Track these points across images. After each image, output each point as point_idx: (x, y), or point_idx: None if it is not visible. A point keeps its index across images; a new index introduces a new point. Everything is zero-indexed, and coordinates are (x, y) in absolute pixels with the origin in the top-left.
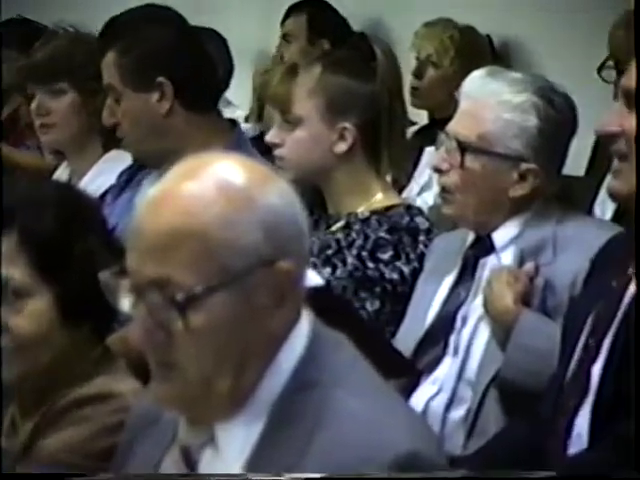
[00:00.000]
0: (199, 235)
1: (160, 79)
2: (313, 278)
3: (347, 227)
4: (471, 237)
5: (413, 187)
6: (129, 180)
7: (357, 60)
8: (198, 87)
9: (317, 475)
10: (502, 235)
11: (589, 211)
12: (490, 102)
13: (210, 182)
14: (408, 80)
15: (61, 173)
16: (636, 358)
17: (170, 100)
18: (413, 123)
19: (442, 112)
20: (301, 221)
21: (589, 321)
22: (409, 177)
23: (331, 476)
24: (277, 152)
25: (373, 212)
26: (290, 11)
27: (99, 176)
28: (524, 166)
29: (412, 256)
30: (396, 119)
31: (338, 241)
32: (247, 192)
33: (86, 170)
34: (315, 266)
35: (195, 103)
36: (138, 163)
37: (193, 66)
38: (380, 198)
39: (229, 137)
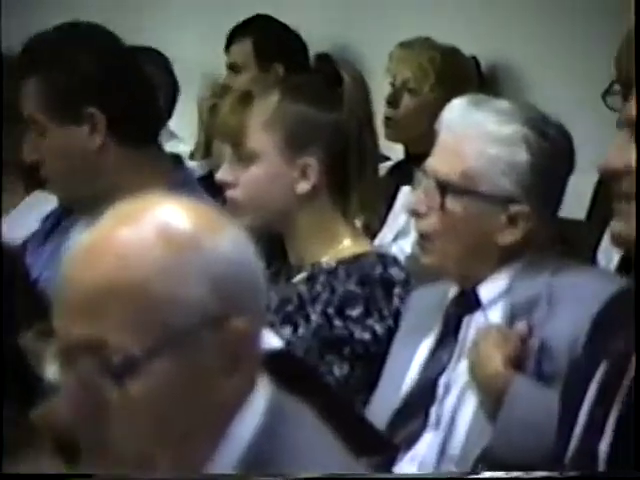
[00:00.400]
0: (137, 289)
1: (90, 110)
2: (271, 339)
3: (311, 279)
4: (454, 291)
5: (387, 233)
6: (55, 225)
7: (320, 85)
8: (135, 118)
9: (317, 475)
10: (489, 289)
11: (592, 260)
12: (473, 134)
13: (150, 228)
14: (381, 109)
15: None
16: (637, 358)
17: (102, 134)
18: (387, 158)
19: (420, 146)
20: (257, 272)
21: (592, 389)
22: (382, 221)
23: (331, 476)
24: (229, 193)
25: (341, 261)
26: (233, 37)
27: (20, 221)
28: (514, 208)
29: (386, 313)
30: (367, 154)
31: (300, 295)
32: (193, 240)
33: (5, 214)
34: (273, 325)
35: (131, 136)
36: (65, 207)
37: (129, 94)
38: (349, 245)
39: (172, 176)
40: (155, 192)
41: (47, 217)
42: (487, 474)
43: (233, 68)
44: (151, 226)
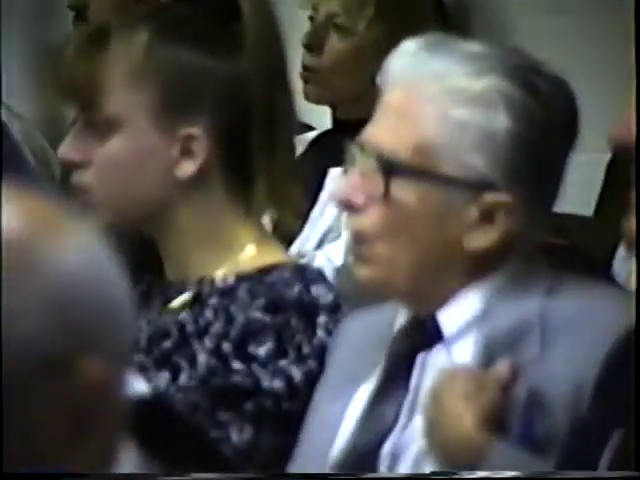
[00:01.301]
0: None
1: None
2: (138, 387)
3: (198, 302)
4: (404, 318)
5: (309, 235)
6: None
7: (209, 22)
8: None
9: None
10: (455, 314)
11: (604, 272)
12: (431, 92)
13: None
14: (298, 56)
15: None
16: (636, 356)
17: None
18: (308, 128)
19: (354, 110)
20: (116, 294)
21: (604, 460)
22: (303, 219)
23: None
24: (77, 178)
25: (241, 277)
26: None
27: None
28: (489, 197)
29: (306, 350)
30: (278, 121)
31: (182, 326)
32: (21, 252)
33: None
34: (144, 369)
35: None
36: None
37: None
38: (253, 253)
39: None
40: None
41: None
42: (484, 474)
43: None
44: None
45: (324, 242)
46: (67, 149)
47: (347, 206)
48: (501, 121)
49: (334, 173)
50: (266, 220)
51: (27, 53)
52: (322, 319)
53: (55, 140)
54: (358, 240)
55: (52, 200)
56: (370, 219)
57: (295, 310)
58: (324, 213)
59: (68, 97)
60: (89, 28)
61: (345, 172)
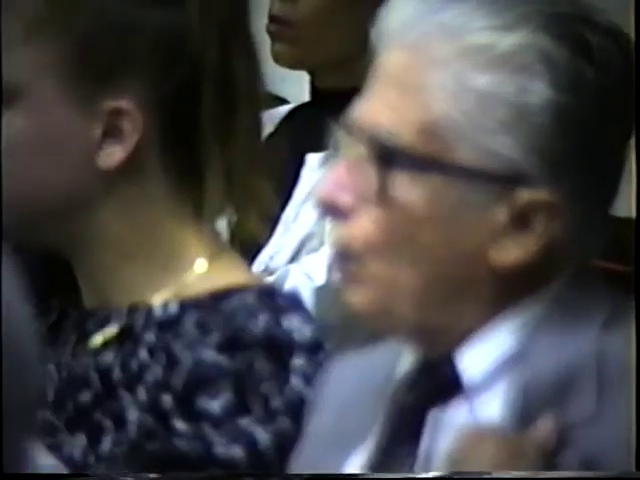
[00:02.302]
0: None
1: None
2: (44, 459)
3: (127, 338)
4: (410, 361)
5: (280, 244)
6: None
7: None
8: None
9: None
10: (479, 355)
11: None
12: (443, 52)
13: None
14: (264, 5)
15: None
16: (637, 354)
17: None
18: (279, 101)
19: (340, 77)
20: (14, 329)
21: None
22: (272, 222)
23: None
24: None
25: (187, 303)
26: None
27: None
28: (523, 195)
29: (276, 404)
30: (237, 92)
31: (106, 372)
32: None
33: None
34: (53, 431)
35: None
36: None
37: None
38: (203, 271)
39: None
40: None
41: None
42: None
43: None
44: None
45: (300, 254)
46: None
47: (330, 209)
48: (538, 91)
49: (313, 161)
50: (222, 225)
51: None
52: (297, 361)
53: None
54: (346, 254)
55: None
56: (361, 226)
57: (261, 349)
58: (300, 215)
59: None
60: None
61: (327, 161)
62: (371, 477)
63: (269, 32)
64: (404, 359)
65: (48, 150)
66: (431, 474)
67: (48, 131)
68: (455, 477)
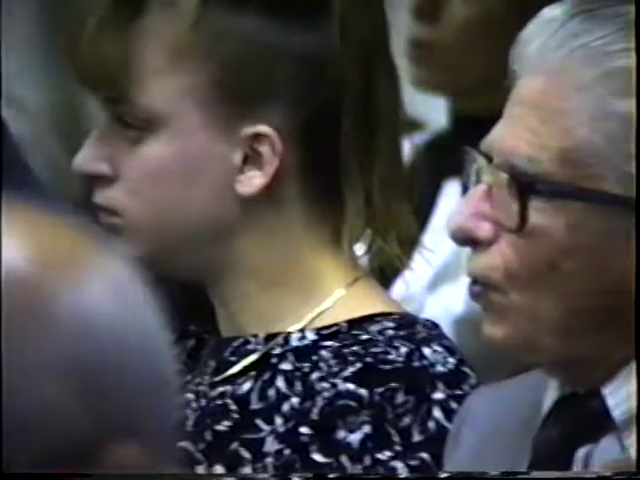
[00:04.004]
0: None
1: None
2: None
3: (265, 367)
4: (554, 393)
5: (419, 273)
6: None
7: None
8: None
9: None
10: (628, 390)
11: None
12: (586, 77)
13: None
14: (404, 26)
15: None
16: (636, 352)
17: None
18: (418, 126)
19: (480, 102)
20: (156, 356)
21: None
22: (412, 249)
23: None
24: (102, 195)
25: (326, 332)
26: None
27: None
28: None
29: (417, 438)
30: (377, 116)
31: (244, 401)
32: (27, 296)
33: None
34: (192, 460)
35: None
36: None
37: None
38: (341, 300)
39: None
40: None
41: None
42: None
43: None
44: None
45: (438, 283)
46: (87, 158)
47: (468, 238)
48: None
49: (451, 188)
50: (359, 251)
51: (38, 22)
52: (439, 394)
53: (74, 144)
54: (486, 284)
55: (69, 225)
56: (501, 255)
57: (401, 381)
58: (438, 243)
59: (89, 85)
60: None
61: (465, 189)
62: (373, 478)
63: (409, 56)
64: (549, 393)
65: (189, 177)
66: (431, 474)
67: (189, 158)
68: (455, 477)
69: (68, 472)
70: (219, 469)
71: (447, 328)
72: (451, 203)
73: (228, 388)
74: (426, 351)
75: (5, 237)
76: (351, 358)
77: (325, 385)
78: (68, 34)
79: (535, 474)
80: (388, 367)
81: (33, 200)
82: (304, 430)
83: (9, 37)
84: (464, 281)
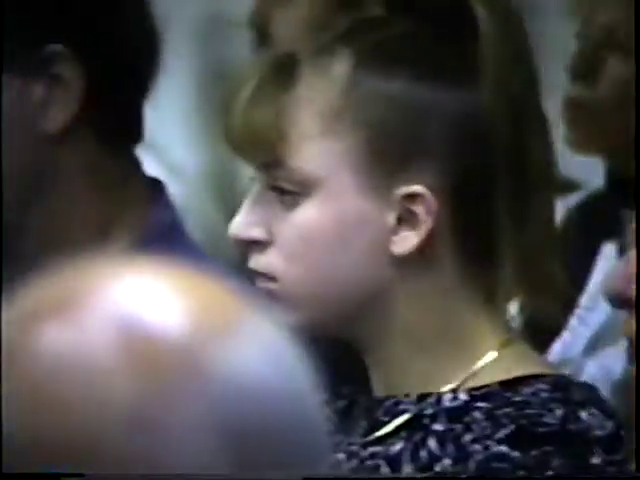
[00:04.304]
0: (89, 450)
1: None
2: None
3: (417, 427)
4: None
5: (575, 333)
6: None
7: (432, 40)
8: (121, 87)
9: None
10: None
11: None
12: None
13: (101, 334)
14: (557, 87)
15: None
16: (637, 354)
17: (71, 102)
18: (572, 187)
19: (635, 163)
20: (309, 417)
21: None
22: (567, 310)
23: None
24: (257, 259)
25: (478, 393)
26: None
27: None
28: None
29: None
30: (531, 176)
31: (396, 462)
32: (186, 357)
33: None
34: None
35: (111, 126)
36: None
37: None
38: (494, 361)
39: (150, 216)
40: (114, 250)
41: None
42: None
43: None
44: (105, 332)
45: (596, 345)
46: (243, 223)
47: (624, 301)
48: None
49: (608, 250)
50: (512, 311)
51: (193, 88)
52: (596, 460)
53: (230, 209)
54: None
55: (224, 288)
56: None
57: (556, 444)
58: (595, 305)
59: (244, 152)
60: (271, 57)
61: (622, 251)
62: (370, 477)
63: (564, 116)
64: None
65: (343, 239)
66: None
67: (344, 220)
68: (456, 477)
69: (68, 473)
70: None
71: (605, 391)
72: (608, 265)
73: (380, 448)
74: (582, 414)
75: (163, 299)
76: (504, 420)
77: (478, 447)
78: (223, 102)
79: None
80: (543, 430)
81: (189, 263)
82: None
83: (167, 101)
84: (622, 344)
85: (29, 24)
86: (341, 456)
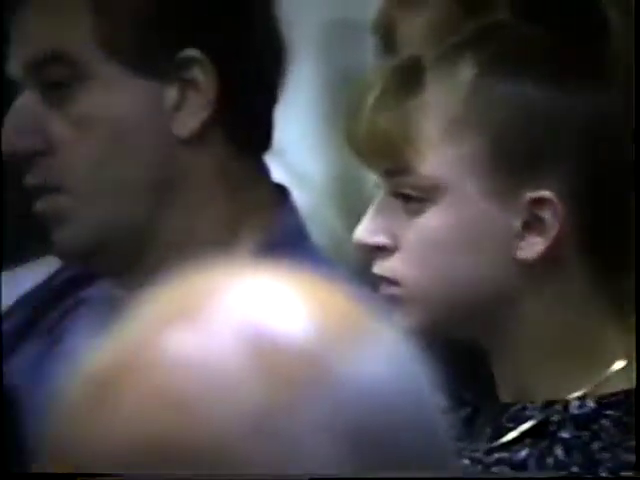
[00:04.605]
0: (211, 457)
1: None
2: None
3: (543, 435)
4: None
5: None
6: (51, 303)
7: (560, 42)
8: (248, 93)
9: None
10: None
11: None
12: None
13: (229, 340)
14: None
15: None
16: (637, 352)
17: (204, 109)
18: None
19: None
20: (433, 424)
21: None
22: None
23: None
24: (382, 266)
25: (606, 402)
26: None
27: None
28: None
29: None
30: None
31: (522, 469)
32: (312, 362)
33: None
34: None
35: (240, 131)
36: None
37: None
38: (623, 367)
39: (274, 222)
40: (241, 253)
41: (42, 288)
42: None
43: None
44: (232, 336)
45: None
46: (367, 230)
47: None
48: None
49: None
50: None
51: (319, 94)
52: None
53: (353, 214)
54: None
55: (348, 294)
56: None
57: None
58: None
59: (369, 158)
60: (396, 62)
61: None
62: (371, 477)
63: None
64: None
65: (469, 245)
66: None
67: (469, 226)
68: (458, 477)
69: (68, 473)
70: None
71: None
72: None
73: (505, 455)
74: None
75: (288, 303)
76: (632, 429)
77: (606, 455)
78: (348, 108)
79: (543, 475)
80: None
81: (313, 268)
82: None
83: (293, 108)
84: None
85: (165, 28)
86: (465, 462)
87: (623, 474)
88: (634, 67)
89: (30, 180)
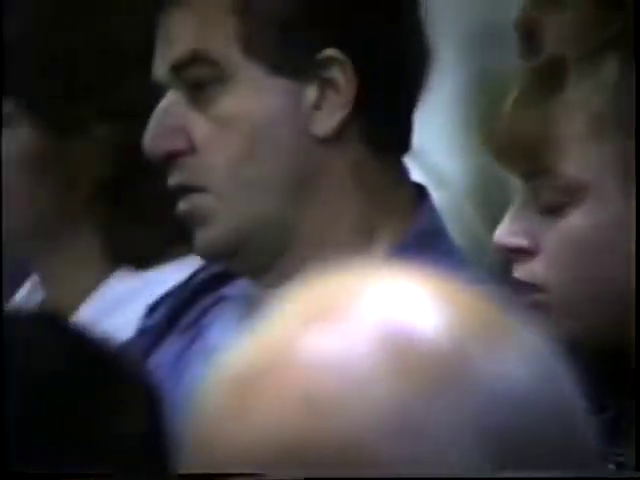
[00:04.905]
0: (351, 454)
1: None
2: None
3: None
4: None
5: None
6: (191, 301)
7: None
8: (387, 94)
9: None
10: None
11: None
12: None
13: (368, 341)
14: None
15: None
16: (636, 352)
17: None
18: None
19: None
20: (578, 431)
21: None
22: None
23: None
24: (524, 269)
25: None
26: None
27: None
28: None
29: None
30: None
31: None
32: (449, 360)
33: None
34: None
35: (379, 131)
36: (213, 262)
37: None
38: None
39: (415, 220)
40: (377, 254)
41: (184, 286)
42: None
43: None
44: (371, 337)
45: None
46: (507, 232)
47: None
48: None
49: None
50: None
51: (459, 95)
52: None
53: (494, 215)
54: None
55: (487, 297)
56: None
57: None
58: None
59: (509, 159)
60: (539, 60)
61: None
62: (372, 477)
63: None
64: None
65: (615, 244)
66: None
67: (614, 226)
68: (459, 477)
69: (68, 473)
70: None
71: None
72: None
73: None
74: None
75: (427, 305)
76: None
77: None
78: (489, 109)
79: (543, 474)
80: None
81: (451, 269)
82: None
83: (434, 109)
84: None
85: (306, 28)
86: (610, 467)
87: (623, 474)
88: (634, 66)
89: (173, 180)
